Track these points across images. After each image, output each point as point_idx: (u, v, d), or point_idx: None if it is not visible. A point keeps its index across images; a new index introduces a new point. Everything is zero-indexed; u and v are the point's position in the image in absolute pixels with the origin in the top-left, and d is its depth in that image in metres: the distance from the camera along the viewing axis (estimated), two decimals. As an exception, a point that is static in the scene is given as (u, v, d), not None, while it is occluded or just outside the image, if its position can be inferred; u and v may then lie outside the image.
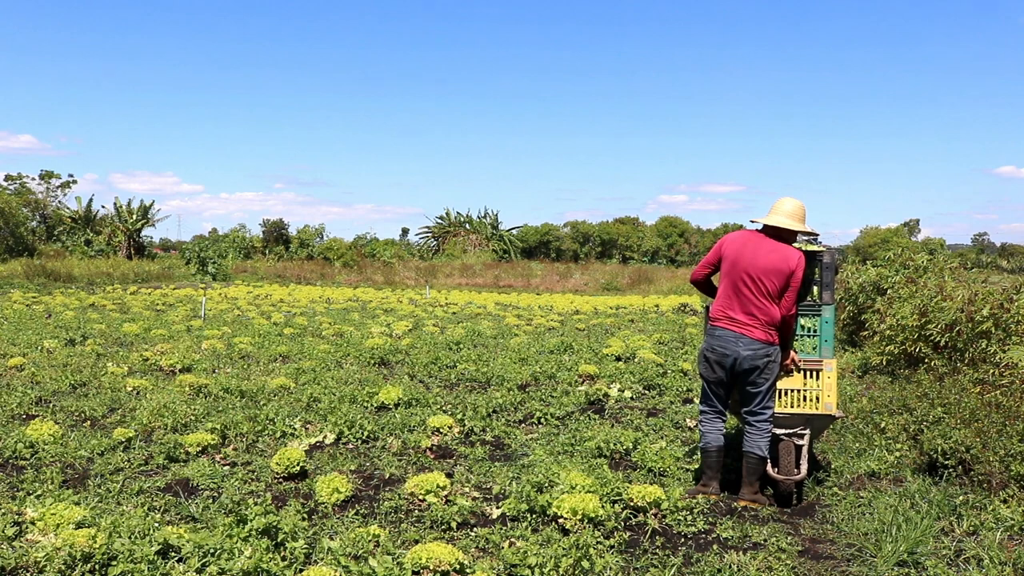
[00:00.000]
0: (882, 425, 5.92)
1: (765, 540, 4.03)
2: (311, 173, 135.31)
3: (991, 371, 6.19)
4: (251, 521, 3.65)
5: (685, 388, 8.29)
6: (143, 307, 18.60)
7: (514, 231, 56.58)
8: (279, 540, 3.65)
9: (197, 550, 3.46)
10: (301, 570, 3.46)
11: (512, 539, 3.91)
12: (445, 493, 4.49)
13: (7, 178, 46.66)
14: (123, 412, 6.72)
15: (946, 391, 6.00)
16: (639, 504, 4.28)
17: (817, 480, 4.98)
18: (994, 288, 7.69)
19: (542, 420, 6.76)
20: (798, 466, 4.62)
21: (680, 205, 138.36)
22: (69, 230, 44.00)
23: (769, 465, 4.60)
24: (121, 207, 44.46)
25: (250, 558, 3.35)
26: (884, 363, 8.29)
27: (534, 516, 4.21)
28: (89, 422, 6.42)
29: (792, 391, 4.71)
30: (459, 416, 6.50)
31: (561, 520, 4.06)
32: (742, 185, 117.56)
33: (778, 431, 4.64)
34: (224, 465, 5.23)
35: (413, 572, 3.36)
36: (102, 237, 43.63)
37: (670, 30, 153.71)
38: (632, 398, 7.81)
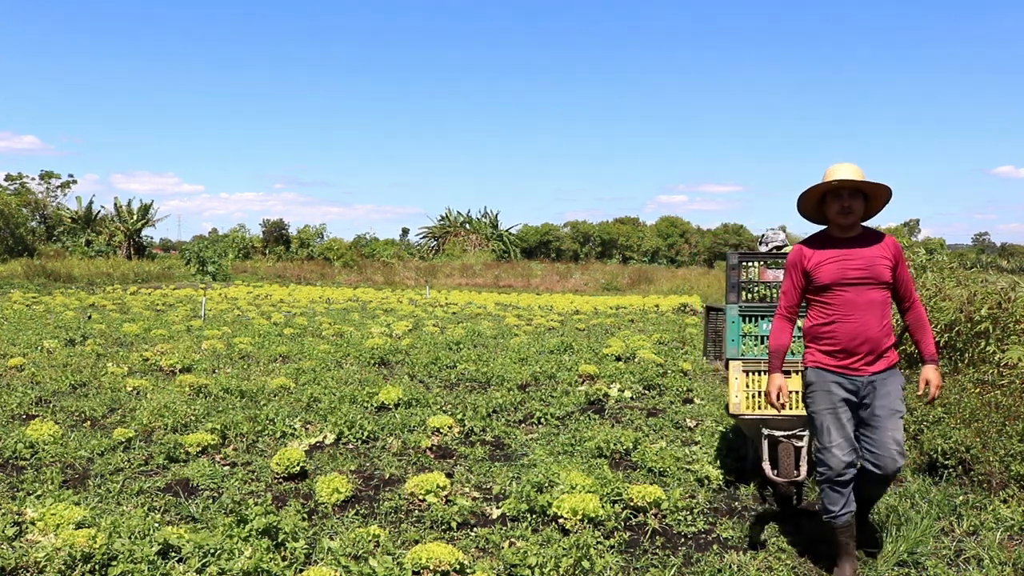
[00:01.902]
0: (882, 425, 5.91)
1: (765, 540, 4.03)
2: (311, 173, 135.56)
3: (991, 371, 6.19)
4: (251, 521, 3.66)
5: (685, 388, 8.28)
6: (143, 307, 18.60)
7: (514, 231, 56.60)
8: (279, 540, 3.65)
9: (197, 550, 3.46)
10: (301, 570, 3.46)
11: (512, 539, 3.92)
12: (445, 493, 4.49)
13: (7, 178, 46.72)
14: (123, 412, 6.72)
15: (946, 391, 6.00)
16: (639, 504, 4.28)
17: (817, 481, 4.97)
18: (992, 288, 7.69)
19: (542, 420, 6.76)
20: (798, 467, 4.62)
21: (680, 205, 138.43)
22: (69, 230, 43.99)
23: (769, 467, 4.60)
24: (121, 207, 44.48)
25: (250, 558, 3.36)
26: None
27: (534, 516, 4.21)
28: (89, 422, 6.42)
29: (790, 392, 4.71)
30: (459, 416, 6.50)
31: (561, 520, 4.06)
32: (741, 185, 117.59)
33: (777, 433, 4.64)
34: (224, 465, 5.23)
35: (413, 572, 3.36)
36: (102, 237, 43.64)
37: (670, 30, 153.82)
38: (632, 398, 7.81)
